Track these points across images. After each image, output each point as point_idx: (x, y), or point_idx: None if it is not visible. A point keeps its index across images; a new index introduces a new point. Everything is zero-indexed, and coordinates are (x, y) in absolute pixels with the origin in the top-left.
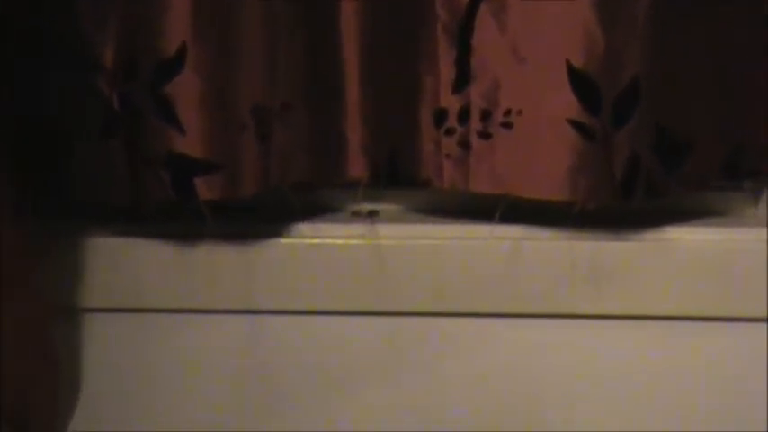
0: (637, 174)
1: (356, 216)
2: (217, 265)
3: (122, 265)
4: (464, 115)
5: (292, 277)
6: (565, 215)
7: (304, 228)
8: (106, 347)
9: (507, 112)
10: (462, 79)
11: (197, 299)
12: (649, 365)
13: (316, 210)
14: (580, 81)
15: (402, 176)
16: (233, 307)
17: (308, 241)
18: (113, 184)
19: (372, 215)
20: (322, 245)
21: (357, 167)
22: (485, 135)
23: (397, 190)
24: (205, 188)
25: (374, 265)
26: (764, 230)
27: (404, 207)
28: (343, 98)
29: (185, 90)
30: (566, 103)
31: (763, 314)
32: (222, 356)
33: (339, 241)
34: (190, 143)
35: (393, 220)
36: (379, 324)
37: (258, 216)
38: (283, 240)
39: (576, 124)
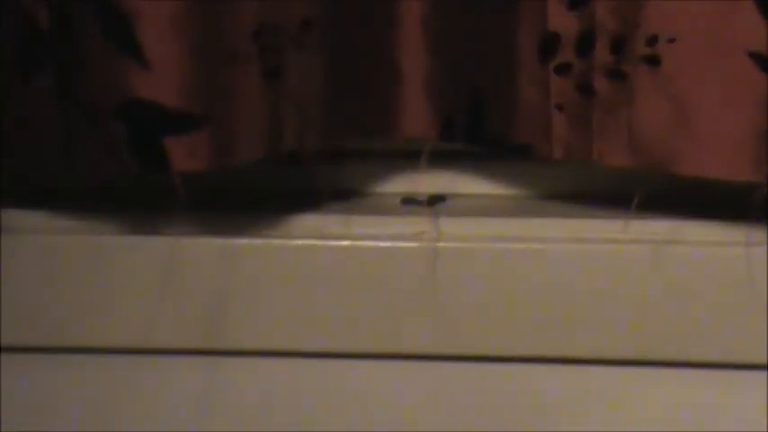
0: None
1: (410, 204)
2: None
3: (38, 282)
4: (585, 43)
5: (306, 299)
6: (742, 204)
7: (329, 222)
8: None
9: (652, 40)
10: None
11: (158, 334)
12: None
13: (347, 192)
14: None
15: (486, 140)
16: (202, 346)
17: (331, 243)
18: (36, 146)
19: (435, 203)
20: (355, 249)
21: (418, 120)
22: (617, 75)
23: (476, 162)
24: (182, 153)
25: (434, 282)
26: None
27: (487, 189)
28: (394, 9)
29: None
30: (748, 25)
31: None
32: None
33: (383, 244)
34: (157, 84)
35: (467, 211)
36: (434, 371)
37: (249, 203)
38: (293, 242)
39: (764, 61)
